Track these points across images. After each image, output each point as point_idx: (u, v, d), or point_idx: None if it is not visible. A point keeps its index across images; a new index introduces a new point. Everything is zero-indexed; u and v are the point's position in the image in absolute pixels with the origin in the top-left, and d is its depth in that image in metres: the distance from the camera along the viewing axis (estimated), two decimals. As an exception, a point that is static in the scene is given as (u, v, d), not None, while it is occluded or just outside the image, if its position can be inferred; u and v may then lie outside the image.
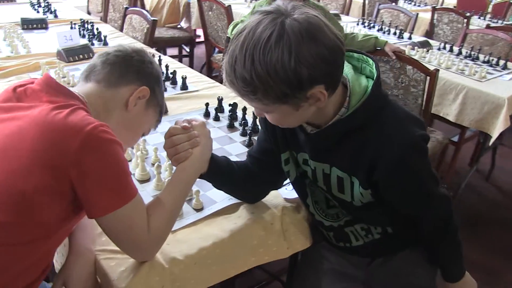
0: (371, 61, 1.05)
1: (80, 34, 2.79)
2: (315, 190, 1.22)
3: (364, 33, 2.75)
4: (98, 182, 0.89)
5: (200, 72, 4.44)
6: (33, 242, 0.92)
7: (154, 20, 2.87)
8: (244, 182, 1.23)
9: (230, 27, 2.70)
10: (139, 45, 2.74)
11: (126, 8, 3.15)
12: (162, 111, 1.20)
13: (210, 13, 3.77)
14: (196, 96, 2.05)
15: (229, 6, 3.50)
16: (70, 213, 0.95)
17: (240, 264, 1.22)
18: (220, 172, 1.16)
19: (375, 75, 1.01)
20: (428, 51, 3.14)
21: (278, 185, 1.31)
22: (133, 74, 1.08)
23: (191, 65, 4.57)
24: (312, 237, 1.32)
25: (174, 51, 5.09)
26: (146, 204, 1.02)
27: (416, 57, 3.01)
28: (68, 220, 0.96)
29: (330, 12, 4.28)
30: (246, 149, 1.59)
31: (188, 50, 4.77)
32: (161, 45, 4.60)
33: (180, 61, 4.84)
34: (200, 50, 5.57)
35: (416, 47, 3.16)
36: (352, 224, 1.21)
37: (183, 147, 1.06)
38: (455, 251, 1.20)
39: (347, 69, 1.04)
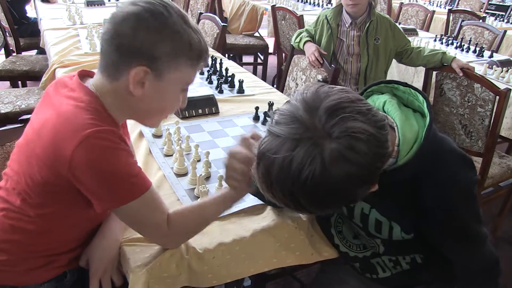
0: (421, 98, 0.98)
1: (154, 36, 2.96)
2: (343, 223, 1.19)
3: (432, 48, 2.65)
4: (93, 187, 0.93)
5: (272, 81, 4.55)
6: (58, 215, 1.04)
7: (224, 25, 2.96)
8: None
9: (294, 35, 2.72)
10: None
11: (200, 13, 3.28)
12: (197, 53, 0.99)
13: (283, 22, 3.82)
14: (251, 100, 2.09)
15: (301, 16, 3.52)
16: (82, 203, 1.01)
17: (260, 264, 1.23)
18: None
19: (428, 119, 0.94)
20: (508, 70, 2.95)
21: None
22: (125, 56, 0.95)
23: (264, 73, 4.64)
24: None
25: (250, 58, 5.21)
26: (189, 204, 1.10)
27: (492, 76, 2.86)
28: (82, 206, 1.02)
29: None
30: (288, 154, 1.59)
31: (262, 58, 4.85)
32: (237, 51, 4.74)
33: (255, 68, 4.95)
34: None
35: (494, 66, 2.98)
36: (379, 255, 1.17)
37: (244, 178, 1.01)
38: None
39: (393, 110, 0.96)
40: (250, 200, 1.30)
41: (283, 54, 4.14)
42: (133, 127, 1.70)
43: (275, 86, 3.66)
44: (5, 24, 3.60)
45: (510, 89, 2.15)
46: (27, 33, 4.05)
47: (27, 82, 3.49)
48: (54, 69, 2.34)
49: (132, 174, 0.96)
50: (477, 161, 2.41)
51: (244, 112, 1.95)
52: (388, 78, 2.59)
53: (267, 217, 1.25)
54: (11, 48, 3.64)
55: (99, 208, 0.99)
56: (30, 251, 1.06)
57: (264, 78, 4.49)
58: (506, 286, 2.34)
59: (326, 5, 5.36)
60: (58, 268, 1.11)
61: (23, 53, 3.86)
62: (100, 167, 0.90)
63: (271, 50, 4.74)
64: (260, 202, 1.29)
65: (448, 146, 0.97)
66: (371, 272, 1.21)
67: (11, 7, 3.71)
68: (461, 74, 2.32)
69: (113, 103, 1.01)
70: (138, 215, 0.99)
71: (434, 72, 2.58)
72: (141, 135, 1.65)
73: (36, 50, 4.22)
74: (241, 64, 4.47)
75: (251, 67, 4.90)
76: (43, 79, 2.45)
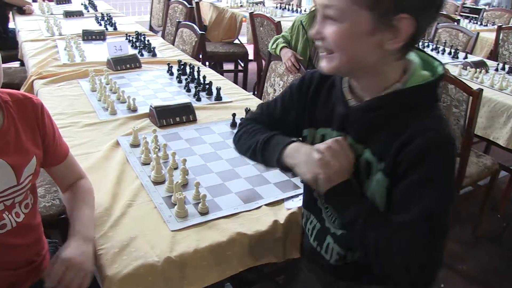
0: (436, 63, 1.00)
1: (132, 46, 2.97)
2: None
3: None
4: None
5: (253, 88, 4.57)
6: None
7: (202, 33, 2.98)
8: None
9: (271, 42, 2.75)
10: (186, 57, 2.86)
11: (179, 22, 3.29)
12: None
13: (261, 28, 3.86)
14: (228, 107, 2.10)
15: (279, 22, 3.56)
16: None
17: (234, 265, 1.24)
18: None
19: (439, 72, 0.97)
20: (481, 71, 3.01)
21: None
22: None
23: (245, 80, 4.66)
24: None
25: (231, 65, 5.23)
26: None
27: (467, 77, 2.92)
28: None
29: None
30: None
31: (243, 65, 4.87)
32: (217, 59, 4.75)
33: (236, 75, 4.97)
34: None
35: (468, 67, 3.04)
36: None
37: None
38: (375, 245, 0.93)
39: (413, 56, 1.00)
40: (228, 209, 1.32)
41: (263, 61, 4.17)
42: (107, 137, 1.71)
43: (255, 93, 3.68)
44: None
45: (482, 90, 2.20)
46: (7, 46, 4.02)
47: (6, 94, 3.45)
48: (32, 81, 2.34)
49: None
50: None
51: (221, 119, 1.96)
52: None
53: (244, 223, 1.26)
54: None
55: None
56: None
57: (245, 85, 4.51)
58: (489, 280, 2.38)
59: (305, 11, 5.41)
60: None
61: (3, 65, 3.82)
62: None
63: (251, 57, 4.77)
64: (238, 210, 1.31)
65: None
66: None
67: None
68: (435, 76, 2.36)
69: None
70: None
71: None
72: (117, 144, 1.65)
73: (19, 62, 4.18)
74: (222, 71, 4.49)
75: (232, 74, 4.91)
76: (21, 90, 2.44)
